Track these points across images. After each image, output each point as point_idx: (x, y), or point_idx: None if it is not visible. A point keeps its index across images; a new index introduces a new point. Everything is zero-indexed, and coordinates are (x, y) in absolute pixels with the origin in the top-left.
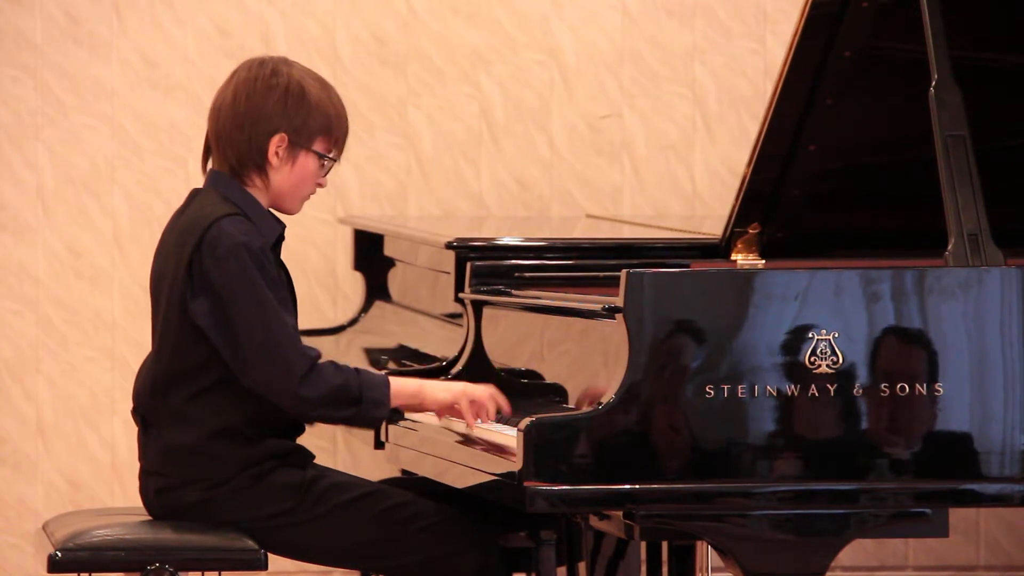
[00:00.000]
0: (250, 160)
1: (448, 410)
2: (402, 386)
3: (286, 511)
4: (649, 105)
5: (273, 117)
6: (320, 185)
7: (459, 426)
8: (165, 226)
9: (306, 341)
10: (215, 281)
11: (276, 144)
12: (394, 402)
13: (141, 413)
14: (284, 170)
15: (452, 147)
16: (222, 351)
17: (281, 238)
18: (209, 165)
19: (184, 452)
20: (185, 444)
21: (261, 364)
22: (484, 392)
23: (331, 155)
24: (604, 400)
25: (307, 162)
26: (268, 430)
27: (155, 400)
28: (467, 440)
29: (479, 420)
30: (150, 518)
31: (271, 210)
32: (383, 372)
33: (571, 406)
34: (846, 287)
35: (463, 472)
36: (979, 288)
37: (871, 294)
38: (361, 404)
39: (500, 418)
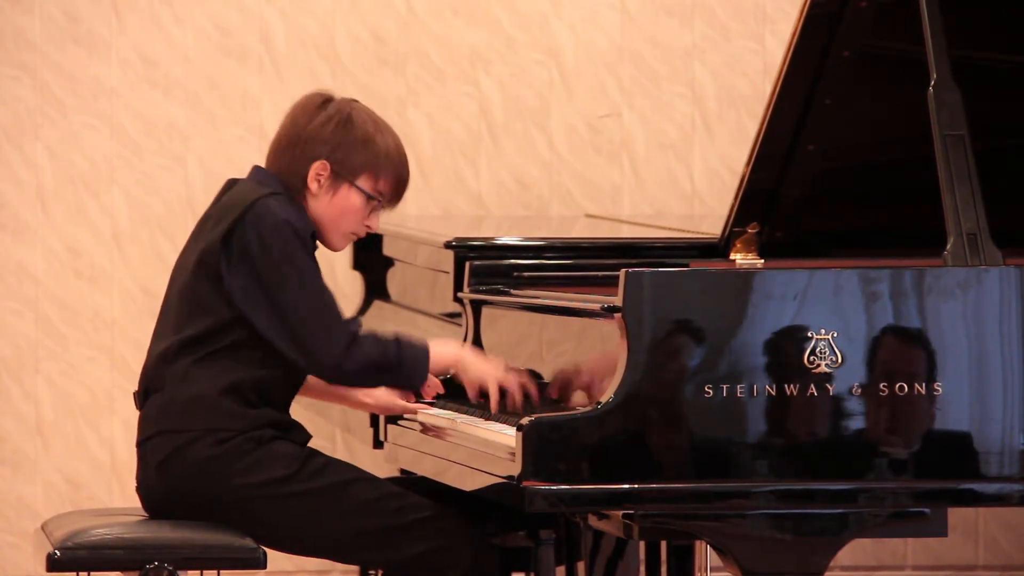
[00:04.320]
0: (291, 183)
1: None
2: (441, 355)
3: (285, 478)
4: (648, 104)
5: (316, 143)
6: (368, 227)
7: (459, 425)
8: (200, 218)
9: None
10: (256, 256)
11: (317, 170)
12: (432, 370)
13: (145, 386)
14: (324, 199)
15: (451, 147)
16: (260, 326)
17: (314, 237)
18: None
19: (190, 403)
20: (192, 395)
21: (304, 337)
22: (514, 384)
23: (379, 197)
24: (603, 400)
25: (349, 196)
26: (268, 400)
27: (163, 366)
28: (467, 439)
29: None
30: (149, 517)
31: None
32: (422, 342)
33: (570, 406)
34: (845, 287)
35: (462, 471)
36: (978, 288)
37: (870, 294)
38: (401, 371)
39: (496, 416)
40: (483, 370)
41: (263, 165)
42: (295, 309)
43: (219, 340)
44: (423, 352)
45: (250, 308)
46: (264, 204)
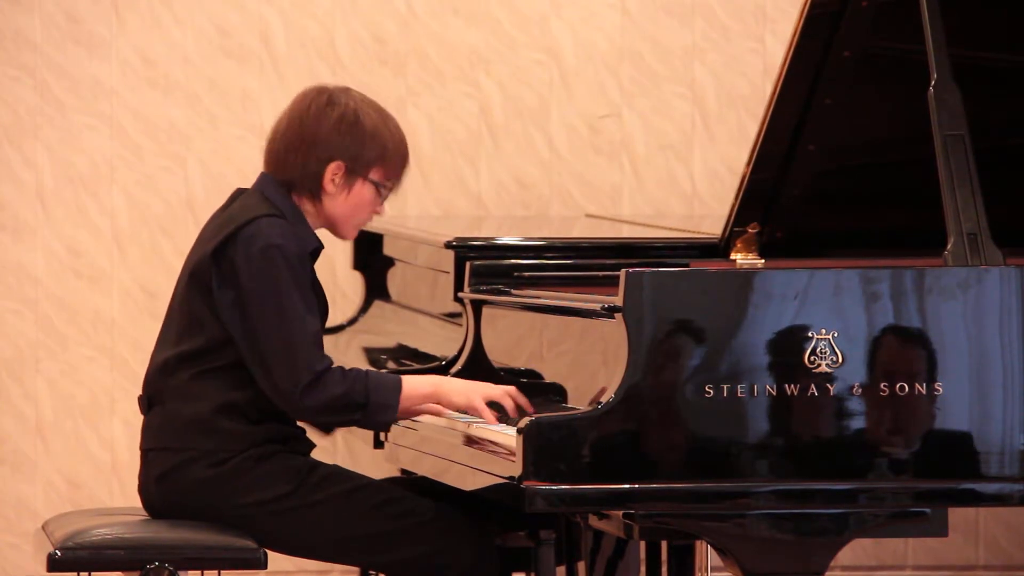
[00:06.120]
0: (304, 186)
1: (467, 410)
2: (416, 387)
3: (285, 494)
4: (648, 105)
5: (329, 144)
6: (377, 213)
7: (459, 425)
8: (203, 225)
9: None
10: (243, 278)
11: (332, 172)
12: (406, 404)
13: (148, 394)
14: (339, 198)
15: (451, 147)
16: (240, 347)
17: (317, 252)
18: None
19: (189, 424)
20: (190, 416)
21: (269, 370)
22: (500, 391)
23: (388, 184)
24: (603, 400)
25: (363, 191)
26: (271, 414)
27: (163, 378)
28: (467, 439)
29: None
30: (149, 517)
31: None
32: (397, 374)
33: (570, 406)
34: (845, 287)
35: (462, 472)
36: (978, 288)
37: (871, 294)
38: (367, 408)
39: (502, 417)
40: (464, 392)
41: (267, 169)
42: (264, 339)
43: (218, 357)
44: (394, 386)
45: (233, 328)
46: (257, 225)
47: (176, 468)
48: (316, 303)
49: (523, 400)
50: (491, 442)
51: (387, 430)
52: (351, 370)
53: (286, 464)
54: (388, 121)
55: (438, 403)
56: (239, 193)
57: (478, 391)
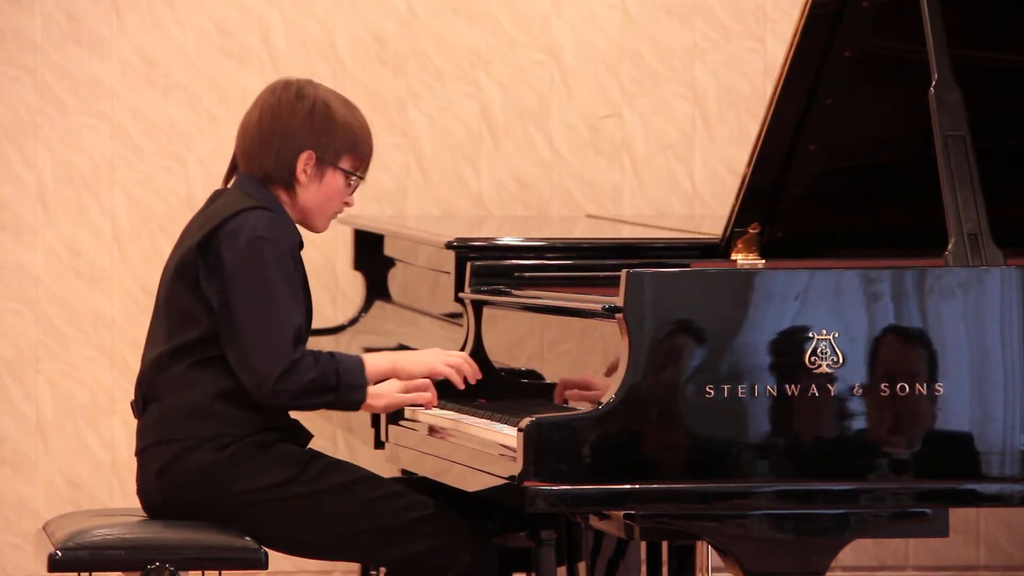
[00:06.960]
0: (278, 178)
1: (431, 376)
2: (375, 365)
3: (285, 482)
4: (649, 105)
5: (300, 135)
6: (347, 204)
7: (461, 425)
8: (186, 225)
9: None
10: (228, 270)
11: (304, 161)
12: (370, 382)
13: (143, 393)
14: (312, 187)
15: (452, 147)
16: (222, 335)
17: (300, 246)
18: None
19: (189, 413)
20: (189, 405)
21: (247, 357)
22: (457, 357)
23: (358, 173)
24: (604, 400)
25: (334, 179)
26: None
27: (158, 373)
28: (467, 439)
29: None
30: (149, 517)
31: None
32: (357, 354)
33: (571, 406)
34: (846, 287)
35: (463, 472)
36: (979, 288)
37: (871, 294)
38: (339, 390)
39: (492, 414)
40: (423, 361)
41: (243, 169)
42: (244, 326)
43: (212, 348)
44: (359, 366)
45: (221, 319)
46: (244, 217)
47: (176, 458)
48: (302, 298)
49: (475, 366)
50: (492, 442)
51: (356, 410)
52: (321, 354)
53: (287, 452)
54: (355, 111)
55: (397, 377)
56: (218, 194)
57: (437, 357)
